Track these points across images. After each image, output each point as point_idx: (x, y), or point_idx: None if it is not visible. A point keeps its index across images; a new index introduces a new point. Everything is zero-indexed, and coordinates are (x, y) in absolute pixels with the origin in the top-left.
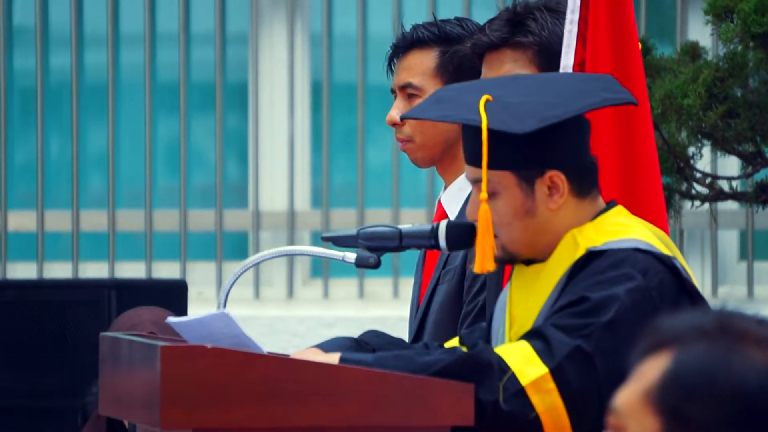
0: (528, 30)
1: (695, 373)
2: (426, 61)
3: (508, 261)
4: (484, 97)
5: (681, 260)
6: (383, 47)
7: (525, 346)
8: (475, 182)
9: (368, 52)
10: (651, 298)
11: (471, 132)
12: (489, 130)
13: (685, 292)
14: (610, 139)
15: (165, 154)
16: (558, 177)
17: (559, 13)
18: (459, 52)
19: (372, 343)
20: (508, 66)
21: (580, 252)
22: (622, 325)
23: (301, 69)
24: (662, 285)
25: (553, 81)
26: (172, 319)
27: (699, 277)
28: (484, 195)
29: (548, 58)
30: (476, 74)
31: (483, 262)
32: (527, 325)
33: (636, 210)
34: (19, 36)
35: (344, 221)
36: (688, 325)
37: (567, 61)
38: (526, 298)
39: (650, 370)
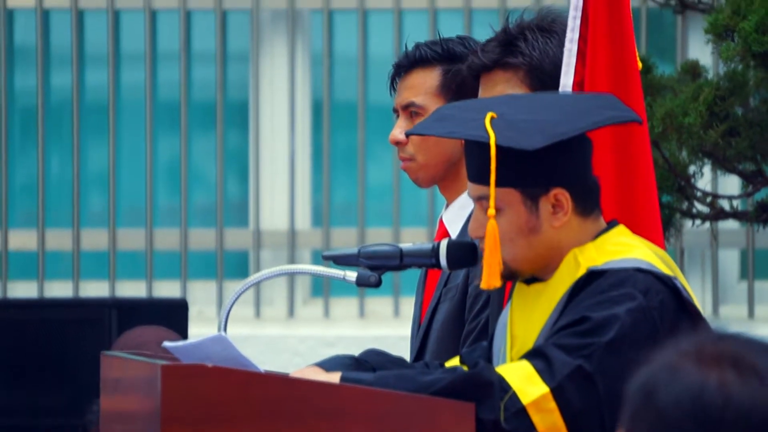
0: (518, 50)
1: (636, 392)
2: (429, 80)
3: (509, 277)
4: (489, 114)
5: (682, 280)
6: (384, 66)
7: (526, 366)
8: (479, 199)
9: (369, 71)
10: (652, 317)
11: (476, 149)
12: (496, 147)
13: (685, 312)
14: (608, 157)
15: (166, 173)
16: (562, 195)
17: (552, 33)
18: (462, 70)
19: (372, 361)
20: (501, 87)
21: (581, 271)
22: (623, 344)
23: (301, 88)
24: (663, 305)
25: (555, 100)
26: (168, 344)
27: (700, 296)
28: (492, 211)
29: (540, 78)
30: (478, 93)
31: (490, 278)
32: (528, 345)
33: (633, 228)
34: (20, 55)
35: (345, 240)
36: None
37: (567, 80)
38: (527, 317)
39: None
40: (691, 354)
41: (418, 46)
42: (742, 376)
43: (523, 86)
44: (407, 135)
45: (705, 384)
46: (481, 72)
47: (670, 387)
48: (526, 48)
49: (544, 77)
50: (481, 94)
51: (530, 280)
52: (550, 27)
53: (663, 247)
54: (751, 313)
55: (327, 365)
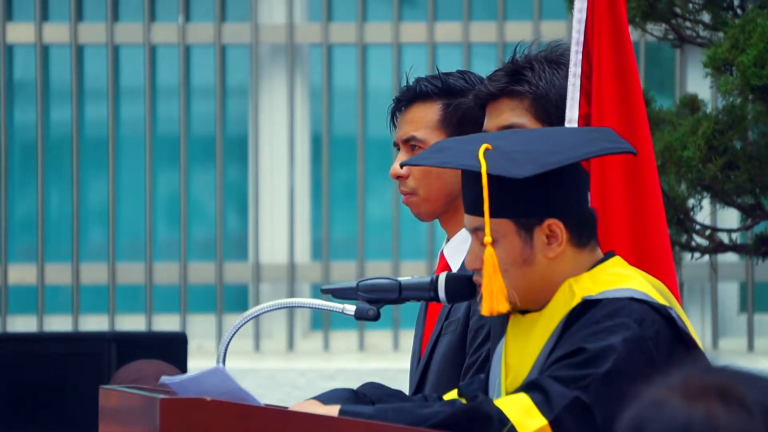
0: (524, 79)
1: (625, 429)
2: (429, 114)
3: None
4: (483, 146)
5: (678, 310)
6: (383, 101)
7: (524, 398)
8: (475, 231)
9: (368, 105)
10: (647, 347)
11: (470, 180)
12: (489, 177)
13: (681, 342)
14: (619, 192)
15: (165, 207)
16: (557, 226)
17: (560, 65)
18: (462, 104)
19: (371, 395)
20: (506, 115)
21: (576, 300)
22: (620, 375)
23: (301, 122)
24: (658, 334)
25: (551, 133)
26: (166, 379)
27: (699, 329)
28: (488, 239)
29: (545, 107)
30: (479, 127)
31: (492, 303)
32: (522, 375)
33: (645, 261)
34: (20, 90)
35: (344, 273)
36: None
37: (572, 114)
38: (522, 347)
39: None
40: (678, 388)
41: (418, 80)
42: (728, 409)
43: (528, 115)
44: (402, 165)
45: (692, 418)
46: (488, 101)
47: (657, 422)
48: (532, 77)
49: (549, 107)
50: (487, 122)
51: (525, 310)
52: (558, 59)
53: (674, 278)
54: (750, 346)
55: (326, 399)
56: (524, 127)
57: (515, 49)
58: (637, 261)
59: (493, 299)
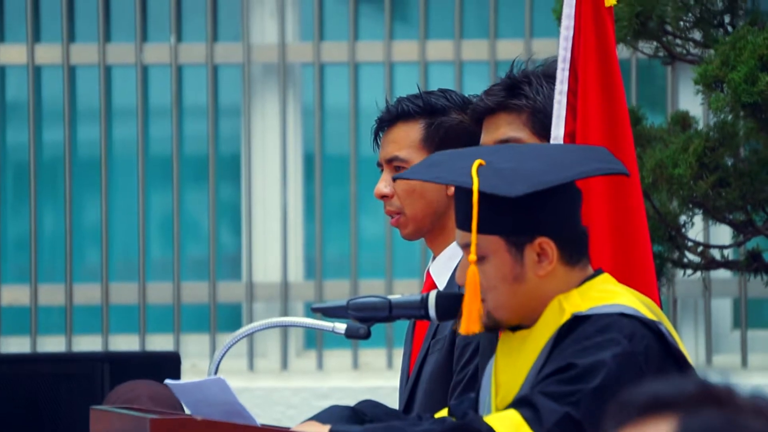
0: (522, 93)
1: None
2: (412, 133)
3: (492, 327)
4: (476, 162)
5: (668, 326)
6: (375, 119)
7: (514, 415)
8: (465, 247)
9: (360, 123)
10: (637, 362)
11: (463, 196)
12: (480, 194)
13: (671, 357)
14: (602, 209)
15: (158, 227)
16: (547, 244)
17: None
18: (444, 123)
19: (369, 413)
20: (503, 129)
21: (566, 317)
22: (610, 390)
23: (293, 141)
24: (648, 350)
25: (545, 150)
26: (169, 382)
27: (693, 345)
28: (473, 257)
29: (542, 122)
30: (462, 145)
31: (469, 323)
32: (513, 392)
33: (627, 279)
34: (13, 110)
35: (338, 292)
36: (683, 391)
37: (557, 131)
38: (512, 364)
39: None
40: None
41: (399, 100)
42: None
43: (526, 129)
44: (395, 179)
45: None
46: (485, 116)
47: None
48: (530, 91)
49: (547, 121)
50: (484, 137)
51: (515, 327)
52: (554, 75)
53: (657, 296)
54: (744, 362)
55: (323, 417)
56: (522, 141)
57: (512, 64)
58: (618, 277)
59: (469, 319)
